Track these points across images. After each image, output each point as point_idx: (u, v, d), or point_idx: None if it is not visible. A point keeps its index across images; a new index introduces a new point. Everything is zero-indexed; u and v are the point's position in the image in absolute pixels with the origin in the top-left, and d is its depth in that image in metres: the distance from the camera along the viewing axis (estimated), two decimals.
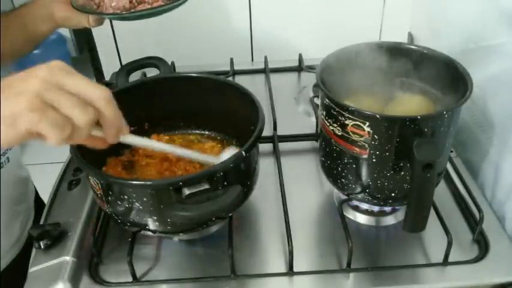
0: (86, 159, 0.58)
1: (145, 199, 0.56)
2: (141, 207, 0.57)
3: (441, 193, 0.74)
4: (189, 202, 0.54)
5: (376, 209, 0.70)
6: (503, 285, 0.60)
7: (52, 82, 0.45)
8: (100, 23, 0.81)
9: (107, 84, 0.95)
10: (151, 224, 0.59)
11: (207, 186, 0.54)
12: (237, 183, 0.57)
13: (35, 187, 0.92)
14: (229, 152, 0.63)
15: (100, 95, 0.47)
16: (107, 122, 0.49)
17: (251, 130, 0.62)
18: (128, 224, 0.61)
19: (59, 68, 0.47)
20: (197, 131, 0.79)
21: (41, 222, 0.71)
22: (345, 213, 0.68)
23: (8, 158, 0.76)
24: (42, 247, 0.65)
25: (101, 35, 1.16)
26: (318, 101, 0.85)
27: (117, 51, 1.17)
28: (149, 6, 0.77)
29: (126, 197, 0.57)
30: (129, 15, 0.76)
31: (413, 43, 1.10)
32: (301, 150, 0.85)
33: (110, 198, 0.59)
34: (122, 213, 0.60)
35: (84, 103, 0.46)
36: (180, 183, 0.54)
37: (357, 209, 0.71)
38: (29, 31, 0.78)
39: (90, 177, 0.59)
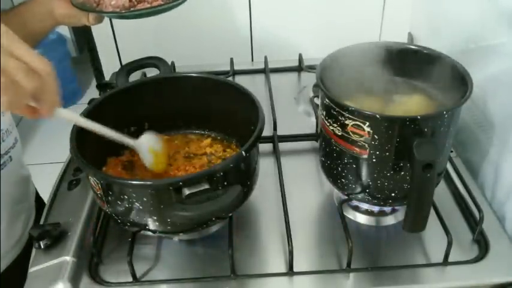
0: (86, 159, 0.58)
1: (145, 199, 0.56)
2: (141, 207, 0.57)
3: (441, 193, 0.74)
4: (189, 202, 0.54)
5: (376, 209, 0.70)
6: (503, 285, 0.60)
7: (3, 46, 0.46)
8: (100, 20, 0.81)
9: (107, 85, 0.95)
10: (151, 224, 0.59)
11: (207, 186, 0.54)
12: (237, 183, 0.57)
13: (35, 187, 0.92)
14: (145, 135, 0.66)
15: (44, 66, 0.49)
16: (46, 94, 0.50)
17: (251, 130, 0.62)
18: (128, 224, 0.61)
19: (6, 34, 0.47)
20: (197, 131, 0.79)
21: (41, 222, 0.71)
22: (345, 213, 0.68)
23: (10, 156, 0.76)
24: (42, 247, 0.65)
25: (101, 35, 1.16)
26: (318, 101, 0.85)
27: (117, 51, 1.17)
28: (149, 6, 0.77)
29: (126, 197, 0.57)
30: (128, 14, 0.76)
31: (413, 43, 1.10)
32: (301, 150, 0.85)
33: (110, 198, 0.59)
34: (122, 213, 0.60)
35: (30, 70, 0.47)
36: (180, 183, 0.54)
37: (357, 209, 0.71)
38: (28, 29, 0.78)
39: (90, 177, 0.59)
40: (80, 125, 0.61)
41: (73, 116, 0.60)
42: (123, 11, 0.76)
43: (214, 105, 0.75)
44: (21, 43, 0.48)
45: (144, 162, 0.67)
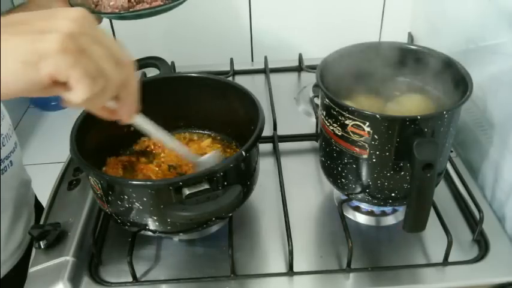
0: (86, 160, 0.58)
1: (145, 199, 0.56)
2: (141, 207, 0.57)
3: (441, 193, 0.74)
4: (189, 202, 0.54)
5: (376, 209, 0.70)
6: (503, 285, 0.60)
7: (88, 30, 0.39)
8: (98, 21, 0.81)
9: None
10: (152, 224, 0.59)
11: (207, 186, 0.54)
12: (237, 183, 0.57)
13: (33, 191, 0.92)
14: (211, 155, 0.64)
15: (129, 59, 0.42)
16: (129, 92, 0.43)
17: (251, 130, 0.62)
18: (128, 224, 0.61)
19: (91, 18, 0.40)
20: (197, 131, 0.79)
21: (41, 222, 0.71)
22: (345, 213, 0.68)
23: (11, 161, 0.76)
24: (42, 247, 0.65)
25: None
26: (318, 101, 0.85)
27: None
28: (148, 6, 0.77)
29: (126, 197, 0.57)
30: (127, 14, 0.76)
31: (413, 43, 1.10)
32: (301, 150, 0.85)
33: (110, 198, 0.59)
34: (122, 213, 0.60)
35: (117, 60, 0.40)
36: (180, 183, 0.54)
37: (357, 209, 0.71)
38: None
39: (90, 177, 0.59)
40: (154, 137, 0.57)
41: (150, 126, 0.54)
42: (122, 12, 0.76)
43: (215, 105, 0.75)
44: (105, 32, 0.41)
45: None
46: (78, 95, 0.38)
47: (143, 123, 0.53)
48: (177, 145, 0.61)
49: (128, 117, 0.47)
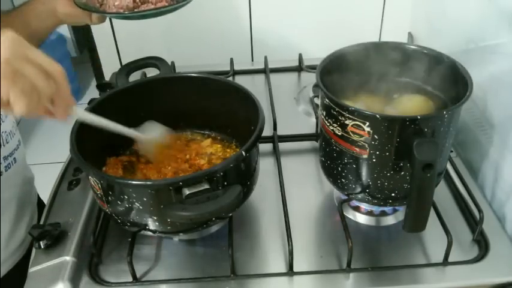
0: (86, 160, 0.58)
1: (145, 199, 0.56)
2: (141, 207, 0.57)
3: (441, 193, 0.74)
4: (189, 202, 0.54)
5: (376, 209, 0.70)
6: (503, 285, 0.60)
7: (19, 52, 0.47)
8: (102, 20, 0.81)
9: (107, 85, 0.95)
10: (152, 224, 0.59)
11: (207, 186, 0.54)
12: (237, 183, 0.57)
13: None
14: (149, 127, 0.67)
15: (58, 69, 0.49)
16: (61, 97, 0.51)
17: (251, 130, 0.62)
18: (128, 224, 0.61)
19: (19, 39, 0.48)
20: (197, 131, 0.79)
21: (41, 222, 0.71)
22: (345, 213, 0.68)
23: (14, 158, 0.76)
24: (42, 247, 0.65)
25: (101, 35, 1.16)
26: (318, 101, 0.85)
27: (117, 51, 1.17)
28: (153, 7, 0.77)
29: (126, 197, 0.57)
30: (132, 15, 0.76)
31: (413, 43, 1.10)
32: (301, 150, 0.85)
33: (110, 198, 0.59)
34: (122, 213, 0.60)
35: (46, 74, 0.48)
36: (180, 183, 0.54)
37: (357, 209, 0.71)
38: (32, 28, 0.78)
39: (90, 177, 0.59)
40: (94, 124, 0.61)
41: (88, 115, 0.60)
42: (127, 12, 0.76)
43: (215, 105, 0.75)
44: (33, 48, 0.49)
45: (144, 152, 0.68)
46: (17, 110, 0.47)
47: (83, 116, 0.60)
48: (123, 129, 0.64)
49: (63, 116, 0.53)
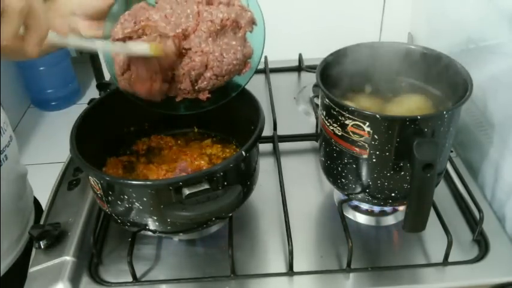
0: (86, 160, 0.58)
1: (145, 199, 0.56)
2: (141, 207, 0.57)
3: (441, 193, 0.74)
4: (189, 202, 0.54)
5: (376, 209, 0.70)
6: (503, 285, 0.60)
7: None
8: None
9: (107, 85, 0.95)
10: (152, 224, 0.59)
11: (207, 186, 0.54)
12: (237, 183, 0.57)
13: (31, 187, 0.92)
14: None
15: None
16: (34, 21, 0.47)
17: (251, 130, 0.62)
18: (128, 223, 0.61)
19: None
20: (197, 131, 0.79)
21: (41, 222, 0.71)
22: (345, 213, 0.68)
23: (6, 155, 0.76)
24: (42, 247, 0.65)
25: None
26: (318, 101, 0.85)
27: None
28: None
29: (126, 197, 0.57)
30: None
31: (413, 43, 1.10)
32: (301, 150, 0.85)
33: (110, 198, 0.59)
34: (122, 213, 0.60)
35: None
36: (180, 183, 0.54)
37: (357, 209, 0.71)
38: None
39: (90, 177, 0.59)
40: (80, 47, 0.58)
41: (71, 40, 0.57)
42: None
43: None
44: None
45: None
46: None
47: (60, 40, 0.55)
48: (107, 45, 0.61)
49: (36, 44, 0.49)
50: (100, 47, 0.61)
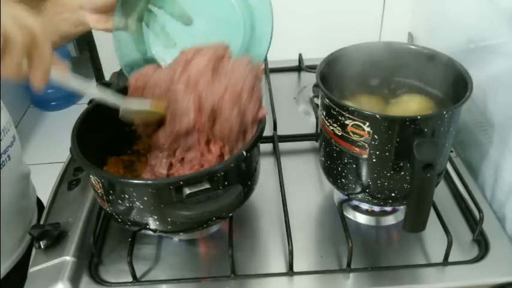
0: (87, 159, 0.58)
1: (145, 198, 0.56)
2: (141, 207, 0.57)
3: (441, 193, 0.74)
4: (189, 202, 0.54)
5: (376, 209, 0.70)
6: (503, 285, 0.60)
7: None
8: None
9: (107, 85, 0.94)
10: (152, 223, 0.59)
11: (207, 186, 0.54)
12: (238, 183, 0.57)
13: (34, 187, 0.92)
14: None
15: (35, 25, 0.45)
16: (38, 54, 0.46)
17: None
18: (129, 223, 0.61)
19: None
20: None
21: (41, 222, 0.71)
22: (345, 213, 0.68)
23: (8, 156, 0.76)
24: (42, 247, 0.65)
25: (101, 35, 1.15)
26: (318, 101, 0.85)
27: None
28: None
29: (127, 196, 0.57)
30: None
31: (413, 43, 1.10)
32: (301, 150, 0.85)
33: (110, 197, 0.59)
34: (122, 212, 0.60)
35: (21, 24, 0.44)
36: (181, 183, 0.54)
37: (357, 209, 0.71)
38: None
39: (91, 176, 0.59)
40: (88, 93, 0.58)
41: (71, 80, 0.56)
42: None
43: None
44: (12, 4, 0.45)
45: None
46: None
47: (65, 81, 0.55)
48: (104, 95, 0.61)
49: (40, 80, 0.48)
50: (96, 95, 0.61)
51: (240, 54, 0.71)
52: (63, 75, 0.55)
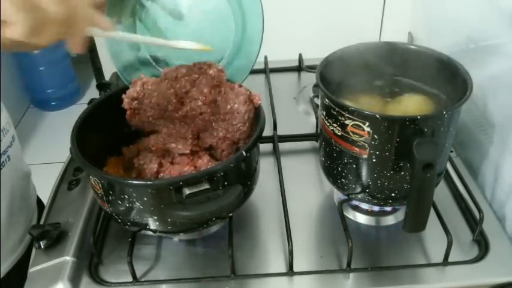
0: (87, 160, 0.58)
1: (145, 199, 0.56)
2: (141, 207, 0.57)
3: (441, 193, 0.74)
4: (189, 202, 0.54)
5: (376, 209, 0.70)
6: (503, 285, 0.60)
7: None
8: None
9: (107, 85, 0.94)
10: (152, 224, 0.59)
11: (207, 186, 0.54)
12: (238, 183, 0.57)
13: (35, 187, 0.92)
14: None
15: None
16: (77, 24, 0.44)
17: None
18: (129, 223, 0.61)
19: None
20: None
21: (41, 222, 0.71)
22: (345, 213, 0.68)
23: (8, 156, 0.76)
24: (42, 247, 0.65)
25: None
26: (318, 101, 0.85)
27: None
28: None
29: (126, 196, 0.57)
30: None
31: (413, 43, 1.10)
32: (301, 150, 0.85)
33: (110, 197, 0.59)
34: (122, 212, 0.60)
35: None
36: (181, 183, 0.54)
37: (357, 209, 0.71)
38: None
39: (91, 176, 0.59)
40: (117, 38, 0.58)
41: (110, 33, 0.55)
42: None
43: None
44: None
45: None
46: (15, 30, 0.40)
47: (105, 34, 0.54)
48: (148, 39, 0.62)
49: (76, 48, 0.47)
50: (141, 40, 0.62)
51: (232, 53, 0.72)
52: (107, 34, 0.54)
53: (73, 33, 0.45)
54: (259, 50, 0.69)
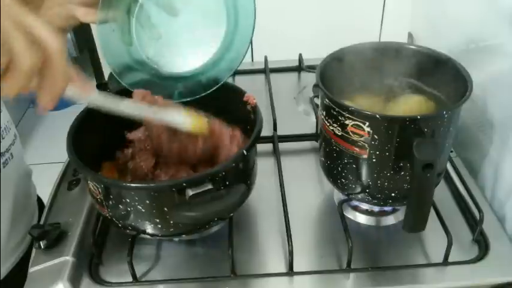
0: (84, 164, 0.58)
1: (147, 201, 0.56)
2: (143, 210, 0.57)
3: (441, 193, 0.74)
4: (192, 203, 0.54)
5: (376, 209, 0.70)
6: (503, 285, 0.60)
7: (11, 12, 0.38)
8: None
9: (107, 85, 0.94)
10: (154, 227, 0.59)
11: (210, 187, 0.54)
12: (238, 183, 0.58)
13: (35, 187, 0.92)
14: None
15: (53, 41, 0.39)
16: (49, 78, 0.40)
17: (249, 130, 0.62)
18: (130, 227, 0.61)
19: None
20: None
21: (41, 222, 0.71)
22: (345, 213, 0.68)
23: (11, 154, 0.76)
24: (42, 247, 0.65)
25: None
26: (318, 101, 0.85)
27: None
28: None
29: (127, 200, 0.57)
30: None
31: (413, 43, 1.10)
32: (301, 150, 0.85)
33: (110, 202, 0.59)
34: (123, 217, 0.59)
35: (35, 39, 0.38)
36: (184, 184, 0.54)
37: (357, 209, 0.71)
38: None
39: (89, 182, 0.59)
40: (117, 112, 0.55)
41: (108, 102, 0.52)
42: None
43: (211, 106, 0.74)
44: (28, 12, 0.39)
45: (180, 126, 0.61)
46: None
47: (81, 97, 0.49)
48: (147, 111, 0.59)
49: (47, 102, 0.42)
50: (126, 109, 0.56)
51: (222, 49, 0.72)
52: (84, 95, 0.50)
53: (44, 87, 0.41)
54: (249, 46, 0.71)
